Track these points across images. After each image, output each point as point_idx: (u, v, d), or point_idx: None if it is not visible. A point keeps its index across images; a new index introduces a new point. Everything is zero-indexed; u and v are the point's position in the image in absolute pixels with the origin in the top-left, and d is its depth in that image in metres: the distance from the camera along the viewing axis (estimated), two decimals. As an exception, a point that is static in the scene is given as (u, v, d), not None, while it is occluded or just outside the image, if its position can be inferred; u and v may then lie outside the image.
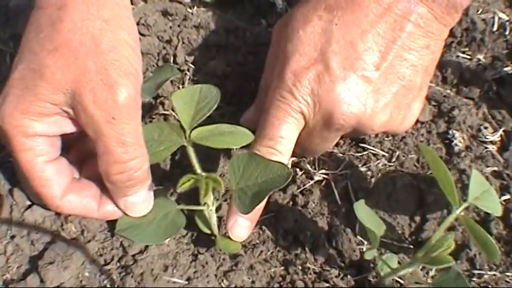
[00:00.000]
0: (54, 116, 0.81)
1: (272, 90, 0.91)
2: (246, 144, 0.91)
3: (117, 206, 0.88)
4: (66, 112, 0.80)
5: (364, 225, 0.86)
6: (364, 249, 0.95)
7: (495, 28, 1.21)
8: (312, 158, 1.05)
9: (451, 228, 0.97)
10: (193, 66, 1.12)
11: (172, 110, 1.05)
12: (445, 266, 0.83)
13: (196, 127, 0.89)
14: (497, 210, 0.91)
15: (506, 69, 1.17)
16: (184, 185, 0.83)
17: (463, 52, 1.20)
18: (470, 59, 1.19)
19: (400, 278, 0.93)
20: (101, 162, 0.82)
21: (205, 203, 0.88)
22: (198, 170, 0.88)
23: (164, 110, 1.06)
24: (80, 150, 0.92)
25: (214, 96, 0.92)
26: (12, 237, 0.87)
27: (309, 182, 1.02)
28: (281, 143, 0.90)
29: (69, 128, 0.83)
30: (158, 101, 1.07)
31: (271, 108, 0.90)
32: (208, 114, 0.90)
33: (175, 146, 0.89)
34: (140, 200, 0.87)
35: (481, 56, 1.19)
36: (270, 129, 0.90)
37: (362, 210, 0.87)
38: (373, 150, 1.05)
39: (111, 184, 0.85)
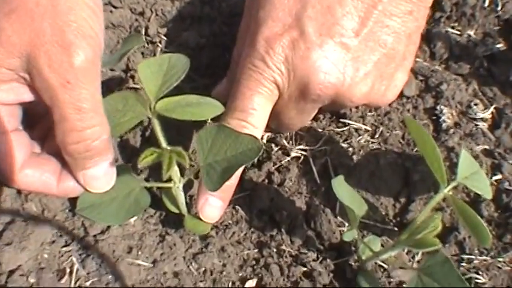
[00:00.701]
0: (11, 82, 0.76)
1: (243, 59, 0.86)
2: (216, 117, 0.85)
3: (77, 181, 0.82)
4: (23, 78, 0.75)
5: (343, 204, 0.80)
6: (345, 231, 0.89)
7: (486, 4, 1.15)
8: (288, 133, 0.99)
9: (439, 209, 0.91)
10: (165, 38, 1.07)
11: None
12: (431, 250, 0.77)
13: (162, 98, 0.83)
14: (487, 192, 0.85)
15: (498, 46, 1.12)
16: (146, 159, 0.76)
17: (453, 27, 1.14)
18: (460, 35, 1.13)
19: (383, 262, 0.88)
20: (58, 131, 0.77)
21: (171, 180, 0.82)
22: (163, 144, 0.81)
23: (134, 83, 1.01)
24: (44, 128, 0.87)
25: (183, 65, 0.86)
26: (-30, 218, 0.82)
27: (286, 158, 0.96)
28: (253, 115, 0.85)
29: (27, 96, 0.78)
30: (128, 74, 1.01)
31: (242, 78, 0.85)
32: (175, 84, 0.83)
33: (140, 117, 0.82)
34: (100, 174, 0.81)
35: (471, 32, 1.13)
36: (241, 101, 0.85)
37: (341, 187, 0.81)
38: (354, 125, 0.99)
39: (69, 156, 0.79)
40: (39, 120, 0.86)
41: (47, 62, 0.72)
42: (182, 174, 0.83)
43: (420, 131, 0.81)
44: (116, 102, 0.83)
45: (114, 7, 1.08)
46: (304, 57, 0.82)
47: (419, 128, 0.82)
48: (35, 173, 0.80)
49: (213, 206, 0.86)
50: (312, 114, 0.91)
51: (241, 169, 0.85)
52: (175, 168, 0.81)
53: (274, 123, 0.92)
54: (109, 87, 0.99)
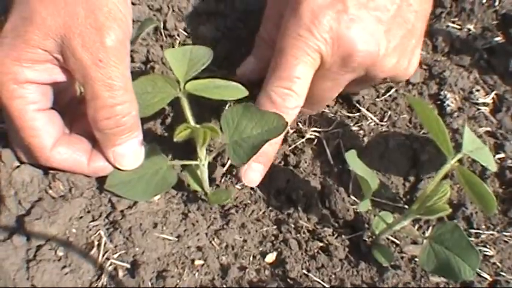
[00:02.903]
0: (45, 63, 0.80)
1: (286, 30, 0.89)
2: (238, 100, 0.89)
3: (107, 160, 0.86)
4: (57, 59, 0.80)
5: (357, 179, 0.84)
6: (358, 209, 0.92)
7: (485, 0, 1.22)
8: (303, 117, 1.03)
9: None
10: (183, 32, 1.12)
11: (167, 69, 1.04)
12: (437, 217, 0.80)
13: (189, 81, 0.88)
14: (492, 165, 0.89)
15: (496, 39, 1.17)
16: (181, 133, 0.81)
17: (453, 22, 1.20)
18: (460, 29, 1.19)
19: (396, 238, 0.92)
20: (89, 109, 0.81)
21: (198, 158, 0.86)
22: (192, 122, 0.86)
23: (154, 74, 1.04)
24: (72, 113, 0.91)
25: (206, 54, 0.91)
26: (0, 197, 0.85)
27: (300, 140, 1.01)
28: (297, 83, 0.88)
29: (60, 76, 0.82)
30: (148, 66, 1.06)
31: (287, 48, 0.88)
32: (202, 68, 0.89)
33: (170, 97, 0.87)
34: (130, 152, 0.86)
35: (471, 26, 1.19)
36: (285, 69, 0.88)
37: (354, 160, 0.85)
38: (365, 110, 1.04)
39: (100, 132, 0.83)
40: (67, 106, 0.91)
41: (81, 42, 0.77)
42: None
43: (424, 108, 0.85)
44: (145, 85, 0.88)
45: (133, 4, 1.12)
46: (348, 27, 0.86)
47: (423, 104, 0.86)
48: (67, 150, 0.85)
49: (255, 169, 0.91)
50: (343, 86, 0.95)
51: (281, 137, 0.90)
52: (203, 148, 0.85)
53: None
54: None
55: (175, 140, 0.80)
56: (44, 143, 0.83)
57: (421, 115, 0.87)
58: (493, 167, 0.90)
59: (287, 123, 0.82)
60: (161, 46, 1.10)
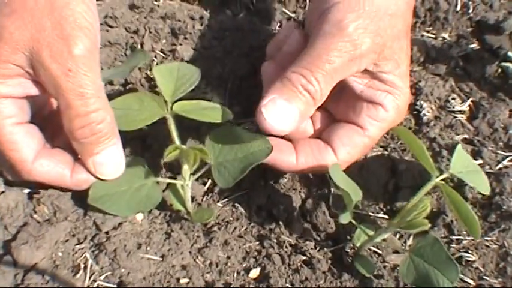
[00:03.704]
0: (18, 77, 0.82)
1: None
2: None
3: (88, 170, 0.87)
4: (28, 73, 0.81)
5: (337, 193, 0.89)
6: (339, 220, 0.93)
7: (458, 7, 1.24)
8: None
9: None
10: (161, 53, 1.13)
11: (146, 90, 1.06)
12: (421, 230, 0.82)
13: (177, 101, 0.90)
14: (485, 188, 0.92)
15: (471, 46, 1.19)
16: (170, 154, 0.83)
17: (428, 32, 1.22)
18: (435, 38, 1.21)
19: (377, 248, 0.93)
20: (64, 120, 0.82)
21: (182, 177, 0.88)
22: (177, 142, 0.88)
23: (134, 96, 1.06)
24: (53, 128, 0.92)
25: (194, 73, 0.93)
26: (-16, 224, 0.86)
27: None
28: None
29: (34, 90, 0.84)
30: (127, 87, 1.07)
31: None
32: (190, 89, 0.91)
33: (157, 116, 0.89)
34: (109, 160, 0.87)
35: (445, 35, 1.22)
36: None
37: (337, 173, 0.87)
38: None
39: (77, 142, 0.84)
40: (47, 120, 0.92)
41: (49, 53, 0.79)
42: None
43: (410, 137, 0.89)
44: (131, 102, 0.90)
45: (110, 26, 1.15)
46: None
47: (409, 134, 0.90)
48: (49, 163, 0.86)
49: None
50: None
51: None
52: (186, 167, 0.86)
53: None
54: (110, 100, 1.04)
55: (164, 160, 0.83)
56: (24, 157, 0.84)
57: (409, 143, 0.91)
58: (486, 190, 0.92)
59: (272, 147, 0.84)
60: (139, 68, 1.11)
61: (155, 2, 1.22)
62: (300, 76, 0.84)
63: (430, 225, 0.81)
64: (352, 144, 0.91)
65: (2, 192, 0.89)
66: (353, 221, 0.88)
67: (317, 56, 0.83)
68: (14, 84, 0.82)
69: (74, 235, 0.87)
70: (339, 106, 0.94)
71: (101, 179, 0.88)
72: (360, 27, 0.83)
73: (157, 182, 0.90)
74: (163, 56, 1.13)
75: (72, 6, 0.81)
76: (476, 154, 1.02)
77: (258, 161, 0.84)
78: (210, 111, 0.89)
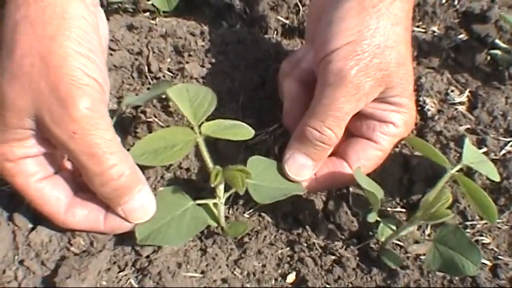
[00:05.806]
0: (30, 139, 0.82)
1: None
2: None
3: (119, 216, 0.88)
4: (40, 134, 0.81)
5: (355, 192, 0.96)
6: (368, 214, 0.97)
7: (444, 0, 1.29)
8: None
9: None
10: (168, 73, 1.15)
11: (155, 117, 1.07)
12: (440, 221, 0.88)
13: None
14: (496, 176, 0.98)
15: (460, 36, 1.25)
16: (217, 178, 0.86)
17: (418, 26, 1.27)
18: (425, 32, 1.26)
19: (399, 240, 0.98)
20: (84, 177, 0.83)
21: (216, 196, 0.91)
22: (210, 164, 0.91)
23: (146, 118, 1.07)
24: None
25: (206, 93, 0.96)
26: (21, 261, 0.87)
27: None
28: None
29: (49, 147, 0.83)
30: (139, 110, 1.09)
31: None
32: (211, 110, 0.94)
33: (191, 142, 0.91)
34: (138, 206, 0.86)
35: (435, 28, 1.27)
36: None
37: (361, 176, 0.92)
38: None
39: (101, 196, 0.84)
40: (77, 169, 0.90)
41: (50, 118, 0.77)
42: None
43: (421, 143, 0.98)
44: (157, 142, 0.91)
45: (113, 50, 1.16)
46: None
47: (420, 141, 0.98)
48: (82, 211, 0.86)
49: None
50: None
51: None
52: (221, 186, 0.90)
53: None
54: (122, 124, 1.07)
55: (212, 185, 0.86)
56: (54, 209, 0.85)
57: (421, 149, 0.99)
58: (496, 178, 0.98)
59: (304, 189, 0.95)
60: (148, 89, 1.12)
61: (152, 21, 1.23)
62: (313, 130, 0.92)
63: (453, 214, 0.86)
64: (366, 157, 0.97)
65: (33, 228, 0.90)
66: (379, 219, 0.94)
67: (326, 107, 0.90)
68: (29, 146, 0.82)
69: (114, 263, 0.89)
70: (354, 124, 0.99)
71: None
72: (362, 71, 0.88)
73: (199, 204, 0.92)
74: (172, 75, 1.15)
75: (68, 64, 0.77)
76: (480, 143, 1.08)
77: (285, 196, 0.92)
78: (237, 130, 0.93)
